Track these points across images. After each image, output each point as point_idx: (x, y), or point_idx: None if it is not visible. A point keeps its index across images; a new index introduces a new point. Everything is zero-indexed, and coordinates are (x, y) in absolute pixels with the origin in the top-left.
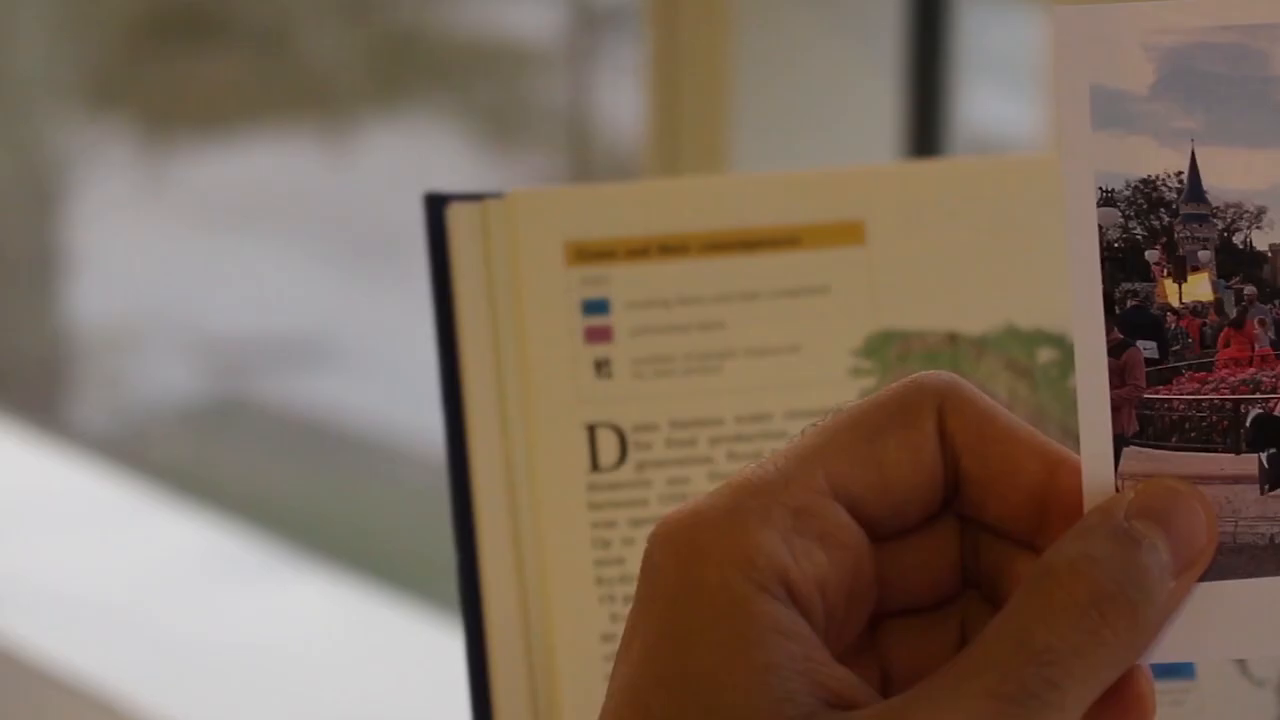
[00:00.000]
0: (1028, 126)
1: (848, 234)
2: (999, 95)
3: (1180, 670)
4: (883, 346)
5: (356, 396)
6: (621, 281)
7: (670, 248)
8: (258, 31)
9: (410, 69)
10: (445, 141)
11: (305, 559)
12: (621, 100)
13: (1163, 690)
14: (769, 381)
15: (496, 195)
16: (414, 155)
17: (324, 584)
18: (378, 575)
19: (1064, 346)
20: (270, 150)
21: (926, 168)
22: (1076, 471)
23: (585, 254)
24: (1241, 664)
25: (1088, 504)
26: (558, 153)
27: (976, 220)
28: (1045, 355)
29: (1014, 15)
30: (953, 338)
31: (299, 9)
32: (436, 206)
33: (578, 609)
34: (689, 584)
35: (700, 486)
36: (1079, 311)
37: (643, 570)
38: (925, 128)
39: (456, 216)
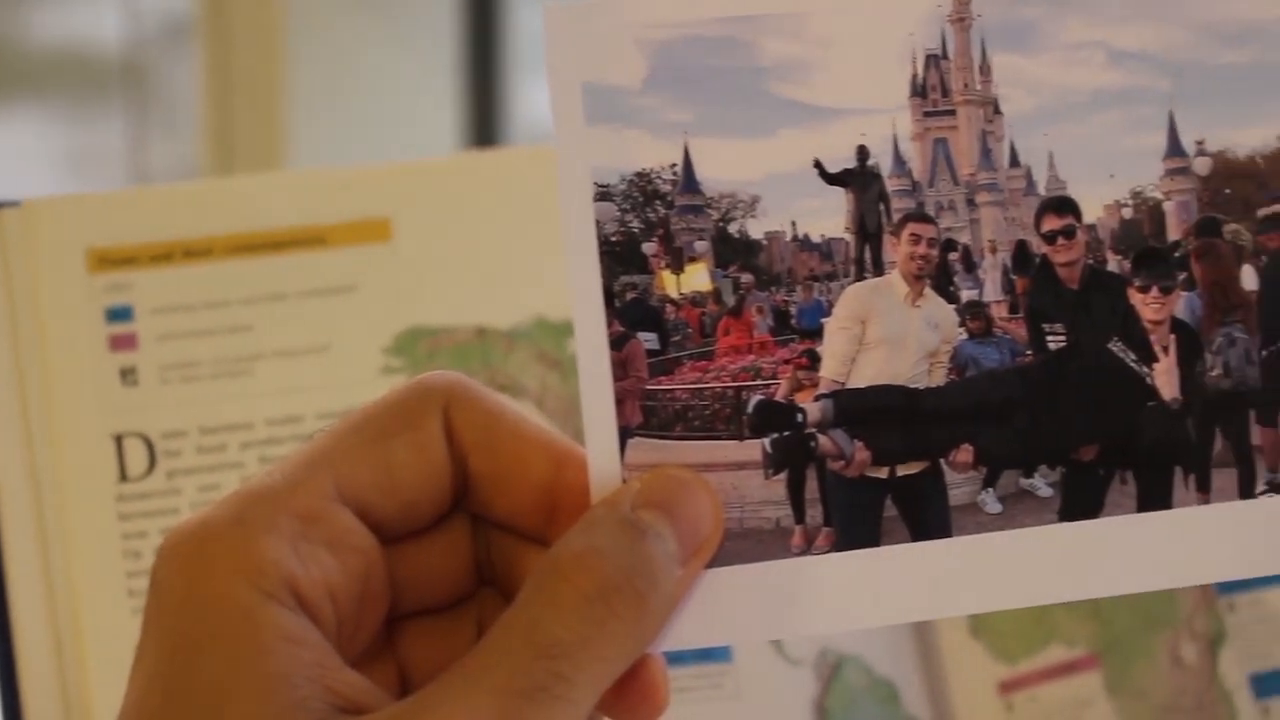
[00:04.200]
0: None
1: (373, 231)
2: None
3: (717, 653)
4: (412, 344)
5: None
6: (145, 287)
7: (194, 251)
8: None
9: None
10: (28, 151)
11: None
12: (185, 109)
13: (701, 674)
14: (300, 383)
15: (13, 203)
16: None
17: None
18: None
19: None
20: None
21: (452, 162)
22: (583, 465)
23: (107, 260)
24: (778, 644)
25: (594, 497)
26: (131, 157)
27: (504, 214)
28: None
29: None
30: (481, 332)
31: None
32: None
33: (109, 621)
34: (195, 596)
35: None
36: (578, 306)
37: (150, 585)
38: (485, 125)
39: None
